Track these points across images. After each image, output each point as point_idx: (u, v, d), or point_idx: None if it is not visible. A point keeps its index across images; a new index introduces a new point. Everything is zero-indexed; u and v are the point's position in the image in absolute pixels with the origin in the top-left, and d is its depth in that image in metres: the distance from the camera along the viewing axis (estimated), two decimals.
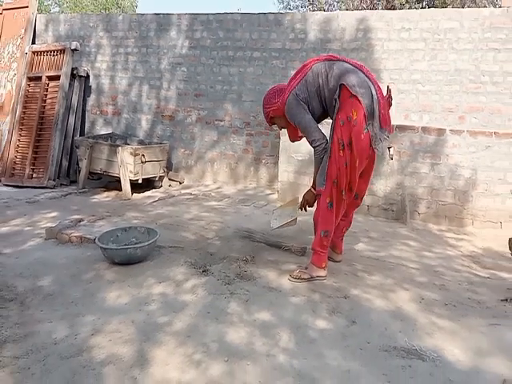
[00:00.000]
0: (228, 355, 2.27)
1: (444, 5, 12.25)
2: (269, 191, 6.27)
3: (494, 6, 11.31)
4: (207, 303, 2.80)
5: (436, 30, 5.55)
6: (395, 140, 4.91)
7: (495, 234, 4.50)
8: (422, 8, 12.60)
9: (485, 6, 11.65)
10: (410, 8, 12.27)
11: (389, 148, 4.83)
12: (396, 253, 3.88)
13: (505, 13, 5.32)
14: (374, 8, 12.75)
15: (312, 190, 3.22)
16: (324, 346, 2.39)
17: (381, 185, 5.07)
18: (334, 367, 2.21)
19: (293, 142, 3.42)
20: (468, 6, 12.02)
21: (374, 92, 2.89)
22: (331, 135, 2.97)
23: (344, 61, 3.04)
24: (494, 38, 5.37)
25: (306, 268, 3.21)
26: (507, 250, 3.86)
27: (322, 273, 3.18)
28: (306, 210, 3.38)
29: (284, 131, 4.91)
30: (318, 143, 3.02)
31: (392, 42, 5.74)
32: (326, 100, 3.04)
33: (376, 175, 5.04)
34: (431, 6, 12.76)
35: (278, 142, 5.86)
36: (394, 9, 12.08)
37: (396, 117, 5.60)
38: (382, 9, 12.65)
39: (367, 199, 5.11)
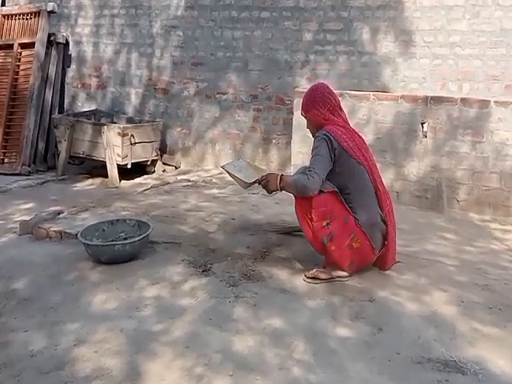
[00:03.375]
0: (233, 368, 2.27)
1: None
2: None
3: None
4: (209, 308, 2.80)
5: None
6: (430, 114, 4.88)
7: None
8: None
9: None
10: None
11: (422, 124, 4.88)
12: (431, 247, 3.88)
13: None
14: None
15: (279, 176, 3.14)
16: (346, 357, 2.38)
17: (413, 167, 5.03)
18: (358, 382, 2.20)
19: None
20: None
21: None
22: None
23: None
24: None
25: (325, 267, 3.21)
26: None
27: (343, 272, 3.19)
28: (262, 187, 3.28)
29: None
30: (313, 175, 2.99)
31: None
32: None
33: (407, 156, 5.03)
34: None
35: (291, 119, 5.83)
36: None
37: (431, 87, 5.57)
38: None
39: (396, 185, 5.09)
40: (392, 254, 3.35)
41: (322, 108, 3.16)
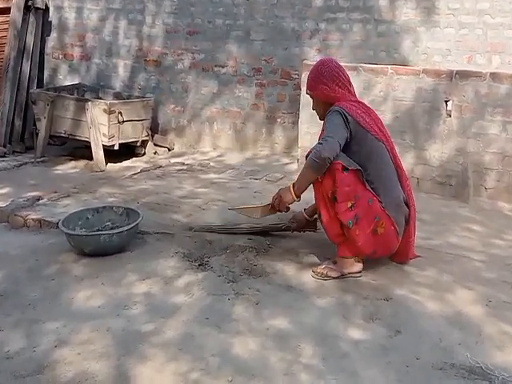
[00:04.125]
0: (233, 374, 2.27)
1: None
2: (286, 160, 6.25)
3: None
4: (205, 306, 2.81)
5: None
6: (455, 91, 4.86)
7: None
8: None
9: None
10: None
11: (446, 101, 4.87)
12: (455, 240, 3.88)
13: None
14: None
15: (290, 184, 3.20)
16: (359, 362, 2.38)
17: (435, 150, 5.02)
18: None
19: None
20: None
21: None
22: None
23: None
24: None
25: (335, 262, 3.22)
26: None
27: (357, 268, 3.21)
28: (276, 210, 3.34)
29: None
30: (327, 139, 2.99)
31: None
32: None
33: (429, 138, 5.01)
34: None
35: (299, 95, 5.79)
36: None
37: (456, 60, 5.56)
38: None
39: (417, 170, 5.08)
40: (413, 244, 3.36)
41: (330, 83, 3.17)
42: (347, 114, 3.05)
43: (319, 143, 3.01)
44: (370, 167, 3.10)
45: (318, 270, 3.18)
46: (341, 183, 2.98)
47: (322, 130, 3.18)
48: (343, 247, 3.19)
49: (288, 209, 3.28)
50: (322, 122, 3.28)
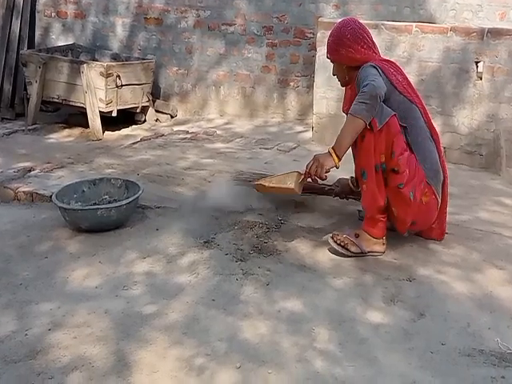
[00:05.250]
0: (241, 360, 2.28)
1: None
2: (300, 127, 6.25)
3: None
4: (211, 287, 2.82)
5: None
6: (486, 51, 4.80)
7: None
8: None
9: None
10: None
11: (476, 63, 4.84)
12: (485, 216, 3.87)
13: None
14: None
15: (332, 152, 3.07)
16: (379, 347, 2.39)
17: (463, 116, 4.98)
18: (394, 378, 2.21)
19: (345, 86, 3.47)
20: None
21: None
22: None
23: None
24: None
25: (357, 235, 3.21)
26: None
27: (379, 247, 3.21)
28: (313, 180, 3.21)
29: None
30: (376, 81, 2.95)
31: None
32: None
33: (457, 103, 4.97)
34: None
35: (314, 57, 5.75)
36: None
37: (488, 16, 5.50)
38: None
39: (444, 138, 4.98)
40: (446, 219, 3.36)
41: (354, 45, 3.16)
42: (381, 72, 3.04)
43: (362, 89, 2.94)
44: (405, 132, 3.09)
45: (339, 237, 3.17)
46: (402, 149, 3.00)
47: (346, 99, 3.19)
48: (374, 224, 3.19)
49: (326, 177, 3.13)
50: (344, 88, 3.29)
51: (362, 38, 3.16)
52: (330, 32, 3.30)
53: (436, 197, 3.14)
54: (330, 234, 3.21)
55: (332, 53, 3.24)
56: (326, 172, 3.04)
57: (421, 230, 3.34)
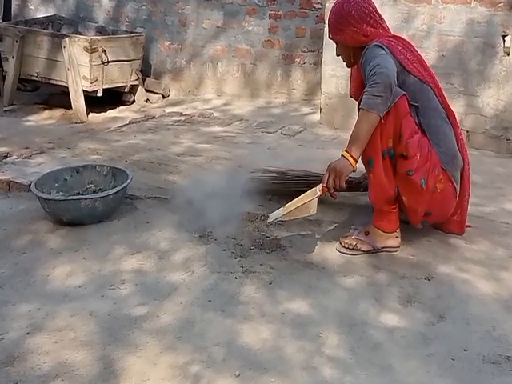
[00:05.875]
0: (241, 367, 2.28)
1: None
2: (306, 109, 6.27)
3: None
4: (208, 286, 2.83)
5: None
6: None
7: None
8: None
9: None
10: None
11: (503, 36, 4.78)
12: None
13: None
14: None
15: (347, 155, 2.96)
16: (394, 354, 2.39)
17: (488, 97, 4.93)
18: None
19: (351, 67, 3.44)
20: None
21: None
22: None
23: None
24: None
25: (367, 233, 3.20)
26: None
27: (393, 241, 3.19)
28: (332, 195, 3.09)
29: None
30: (383, 71, 2.85)
31: None
32: None
33: (482, 81, 4.93)
34: None
35: (322, 30, 5.75)
36: None
37: None
38: None
39: (467, 121, 5.02)
40: (467, 210, 3.32)
41: (360, 24, 3.10)
42: (387, 50, 2.99)
43: (370, 77, 2.85)
44: (416, 113, 3.06)
45: (347, 241, 3.18)
46: (411, 131, 2.94)
47: (353, 81, 3.24)
48: (384, 217, 3.18)
49: (347, 186, 3.02)
50: (349, 69, 3.32)
51: (369, 14, 3.10)
52: (331, 8, 3.23)
53: (453, 184, 3.09)
54: (338, 242, 3.21)
55: (335, 33, 3.17)
56: (346, 180, 2.97)
57: (437, 221, 3.32)
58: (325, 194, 3.06)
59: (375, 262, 3.06)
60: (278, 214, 3.29)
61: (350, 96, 3.44)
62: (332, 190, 2.96)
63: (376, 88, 2.83)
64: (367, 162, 3.07)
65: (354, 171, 2.93)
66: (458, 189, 3.14)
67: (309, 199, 3.09)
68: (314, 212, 3.15)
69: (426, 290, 2.82)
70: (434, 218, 3.21)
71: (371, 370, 2.27)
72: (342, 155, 2.90)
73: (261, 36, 6.59)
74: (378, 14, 3.16)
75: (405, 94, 2.94)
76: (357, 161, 2.91)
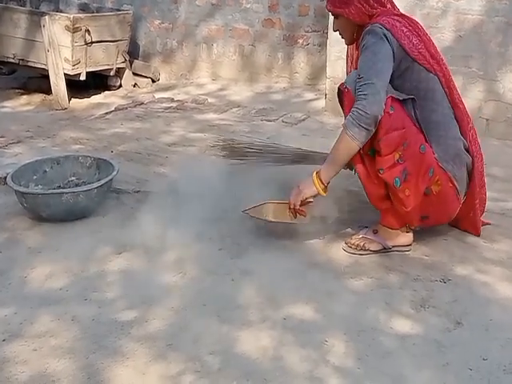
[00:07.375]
0: (238, 377, 2.28)
1: None
2: (310, 95, 6.32)
3: None
4: (202, 289, 2.84)
5: None
6: None
7: None
8: None
9: None
10: None
11: None
12: None
13: None
14: None
15: (316, 181, 3.05)
16: (406, 363, 2.38)
17: (510, 82, 4.97)
18: None
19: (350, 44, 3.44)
20: None
21: None
22: None
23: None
24: None
25: (376, 232, 3.23)
26: None
27: (404, 239, 3.22)
28: (298, 213, 3.20)
29: None
30: (373, 90, 2.90)
31: None
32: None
33: (503, 64, 4.98)
34: None
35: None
36: None
37: None
38: None
39: (486, 108, 5.06)
40: (482, 206, 3.33)
41: (366, 0, 3.10)
42: (390, 35, 2.98)
43: (360, 96, 2.90)
44: (413, 107, 3.06)
45: (353, 242, 3.21)
46: (389, 128, 2.92)
47: (351, 60, 3.29)
48: (388, 214, 3.20)
49: (303, 211, 3.12)
50: (349, 46, 3.35)
51: None
52: None
53: (454, 185, 3.08)
54: (344, 242, 3.25)
55: (337, 6, 3.14)
56: (303, 202, 3.06)
57: (439, 224, 3.32)
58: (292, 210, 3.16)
59: (386, 263, 3.09)
60: (260, 212, 3.32)
61: (347, 44, 3.43)
62: (291, 206, 3.10)
63: (365, 117, 2.86)
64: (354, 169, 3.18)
65: (322, 194, 3.03)
66: (463, 189, 3.15)
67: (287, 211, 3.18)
68: (307, 222, 3.23)
69: (442, 294, 2.83)
70: (432, 221, 3.23)
71: (381, 381, 2.28)
72: (312, 178, 3.00)
73: (260, 14, 6.59)
74: None
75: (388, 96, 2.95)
76: (325, 185, 2.99)
